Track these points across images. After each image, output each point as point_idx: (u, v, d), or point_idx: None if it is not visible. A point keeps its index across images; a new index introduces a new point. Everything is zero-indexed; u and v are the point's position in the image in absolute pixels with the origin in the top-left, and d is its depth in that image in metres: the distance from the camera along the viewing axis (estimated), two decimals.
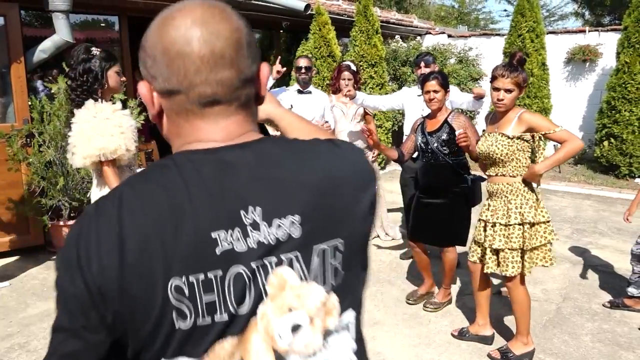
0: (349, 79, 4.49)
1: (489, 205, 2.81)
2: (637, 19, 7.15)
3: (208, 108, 0.72)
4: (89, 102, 2.38)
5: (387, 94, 7.12)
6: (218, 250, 0.67)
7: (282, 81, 5.49)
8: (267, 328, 0.70)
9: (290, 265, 0.71)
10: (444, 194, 3.27)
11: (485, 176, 2.95)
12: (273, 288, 0.70)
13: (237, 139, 0.74)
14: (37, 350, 2.91)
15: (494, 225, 2.72)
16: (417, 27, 10.26)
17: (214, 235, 0.67)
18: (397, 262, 4.32)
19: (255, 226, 0.69)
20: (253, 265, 0.69)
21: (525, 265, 2.68)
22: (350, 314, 0.78)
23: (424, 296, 3.53)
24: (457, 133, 2.97)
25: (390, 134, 8.09)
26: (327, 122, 4.43)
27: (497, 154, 2.68)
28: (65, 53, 4.83)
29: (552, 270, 3.86)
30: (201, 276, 0.66)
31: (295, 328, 0.71)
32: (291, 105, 4.26)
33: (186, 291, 0.66)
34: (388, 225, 4.91)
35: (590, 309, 3.42)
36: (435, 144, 3.24)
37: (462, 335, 3.04)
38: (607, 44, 8.40)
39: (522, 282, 2.74)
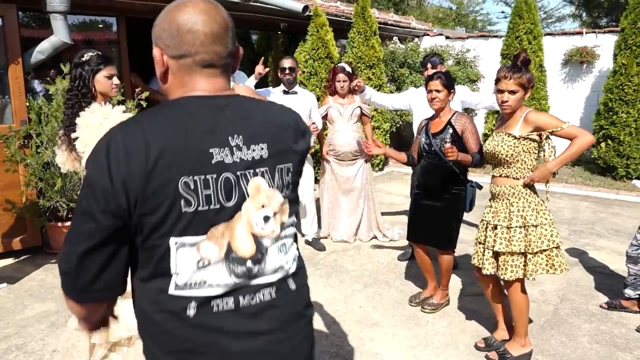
0: (344, 81, 4.52)
1: (491, 206, 2.79)
2: (634, 21, 7.17)
3: (205, 69, 1.06)
4: (94, 105, 2.35)
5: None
6: (213, 161, 1.00)
7: (279, 82, 5.47)
8: (248, 218, 1.05)
9: (263, 176, 1.06)
10: (441, 196, 3.27)
11: (482, 185, 2.93)
12: (252, 190, 1.05)
13: (221, 92, 1.08)
14: (35, 351, 2.90)
15: (495, 227, 2.71)
16: (415, 29, 10.27)
17: (210, 150, 1.00)
18: (394, 263, 4.32)
19: (239, 148, 1.03)
20: (238, 173, 1.03)
21: (528, 269, 2.63)
22: (293, 218, 1.17)
23: (428, 299, 3.50)
24: (445, 146, 2.95)
25: (388, 135, 8.09)
26: (314, 123, 4.43)
27: (502, 154, 2.66)
28: (63, 54, 4.83)
29: None
30: (202, 177, 0.99)
31: (266, 219, 1.08)
32: None
33: (192, 186, 0.98)
34: (384, 227, 4.92)
35: (588, 310, 3.43)
36: (439, 146, 3.22)
37: (488, 345, 2.92)
38: (604, 45, 8.42)
39: (522, 284, 2.73)
